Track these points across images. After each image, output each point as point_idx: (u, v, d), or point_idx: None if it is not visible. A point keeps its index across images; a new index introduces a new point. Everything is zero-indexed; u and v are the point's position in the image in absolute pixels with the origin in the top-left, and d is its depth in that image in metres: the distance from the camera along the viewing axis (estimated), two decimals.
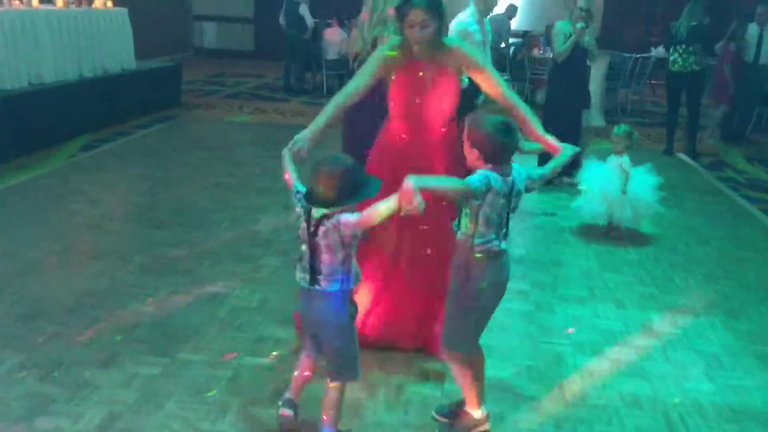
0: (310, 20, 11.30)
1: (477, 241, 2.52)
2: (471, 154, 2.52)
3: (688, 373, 3.38)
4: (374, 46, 3.74)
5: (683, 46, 7.84)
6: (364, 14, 3.90)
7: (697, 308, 4.12)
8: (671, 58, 8.03)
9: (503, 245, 2.57)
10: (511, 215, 2.57)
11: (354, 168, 2.44)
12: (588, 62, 6.66)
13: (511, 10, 12.23)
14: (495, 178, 2.46)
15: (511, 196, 2.52)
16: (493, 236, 2.53)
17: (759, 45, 8.83)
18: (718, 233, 5.50)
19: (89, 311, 3.67)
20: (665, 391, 3.21)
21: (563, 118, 6.21)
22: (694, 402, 3.13)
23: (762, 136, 9.52)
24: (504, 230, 2.55)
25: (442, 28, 3.05)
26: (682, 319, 3.94)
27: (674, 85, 8.20)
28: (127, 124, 8.26)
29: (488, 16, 6.15)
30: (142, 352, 3.30)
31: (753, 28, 8.87)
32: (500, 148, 2.47)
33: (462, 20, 6.43)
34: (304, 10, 11.30)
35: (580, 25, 6.23)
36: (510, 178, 2.51)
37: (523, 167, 2.61)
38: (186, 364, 3.22)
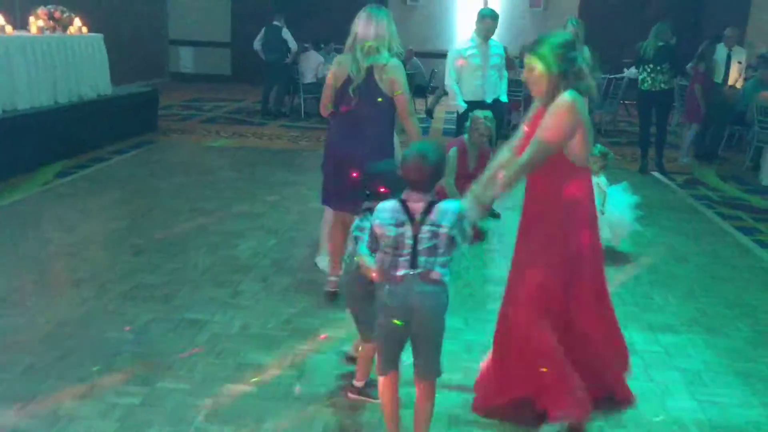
0: (293, 44, 11.36)
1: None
2: None
3: (670, 391, 3.39)
4: (369, 73, 3.76)
5: (651, 66, 8.05)
6: (362, 38, 3.80)
7: (678, 326, 4.15)
8: (640, 77, 8.24)
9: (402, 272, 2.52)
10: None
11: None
12: None
13: None
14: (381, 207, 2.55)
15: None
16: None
17: (727, 66, 9.05)
18: (695, 251, 5.56)
19: (66, 341, 3.60)
20: (648, 409, 3.22)
21: None
22: (677, 420, 3.14)
23: (733, 154, 9.69)
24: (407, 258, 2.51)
25: None
26: (663, 337, 3.97)
27: (645, 103, 8.38)
28: (103, 149, 8.19)
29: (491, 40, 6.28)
30: (121, 381, 3.24)
31: (721, 50, 9.08)
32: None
33: (457, 46, 6.61)
34: (286, 34, 11.35)
35: None
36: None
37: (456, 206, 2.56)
38: (166, 393, 3.16)
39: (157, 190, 6.69)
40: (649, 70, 8.09)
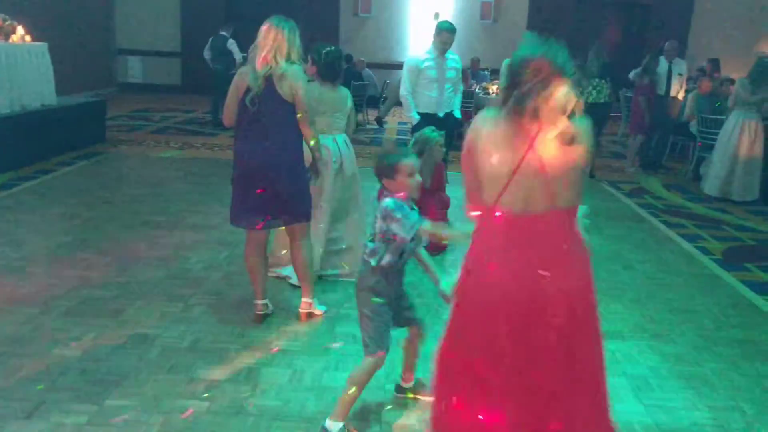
0: (238, 55, 11.28)
1: None
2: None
3: (618, 396, 3.46)
4: (267, 82, 3.73)
5: (597, 80, 8.77)
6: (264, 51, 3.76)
7: (625, 332, 4.25)
8: (585, 91, 8.89)
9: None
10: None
11: None
12: None
13: None
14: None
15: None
16: None
17: (669, 78, 9.37)
18: (641, 258, 5.71)
19: (10, 359, 3.49)
20: None
21: None
22: (626, 424, 3.21)
23: (677, 163, 9.99)
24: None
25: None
26: (610, 344, 4.04)
27: (589, 115, 8.70)
28: (48, 161, 7.99)
29: (447, 53, 6.19)
30: (67, 400, 3.16)
31: (662, 63, 9.40)
32: None
33: (414, 56, 6.44)
34: (231, 44, 11.29)
35: None
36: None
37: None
38: (115, 411, 3.09)
39: (106, 203, 6.55)
40: (594, 84, 8.76)
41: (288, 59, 3.76)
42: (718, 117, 8.63)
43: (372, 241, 2.93)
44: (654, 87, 9.32)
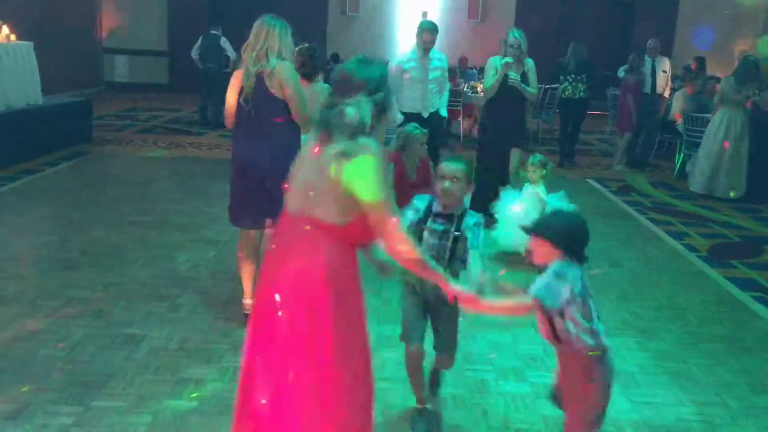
0: (232, 53, 11.24)
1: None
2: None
3: None
4: (258, 80, 3.75)
5: (573, 76, 9.20)
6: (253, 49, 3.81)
7: (612, 329, 4.24)
8: (561, 86, 9.40)
9: None
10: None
11: None
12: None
13: None
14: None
15: None
16: None
17: (653, 75, 9.45)
18: (629, 255, 5.74)
19: None
20: None
21: (489, 156, 6.12)
22: (614, 420, 3.22)
23: (663, 161, 10.05)
24: None
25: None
26: None
27: (565, 109, 9.62)
28: (33, 161, 7.93)
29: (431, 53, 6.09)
30: (52, 401, 3.13)
31: (646, 61, 9.47)
32: None
33: (399, 57, 6.34)
34: (225, 43, 11.25)
35: (506, 59, 5.98)
36: None
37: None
38: (101, 412, 3.07)
39: (92, 203, 6.50)
40: (570, 80, 9.23)
41: (279, 56, 3.77)
42: (704, 115, 8.68)
43: None
44: (640, 85, 9.38)
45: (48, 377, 3.34)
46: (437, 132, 6.27)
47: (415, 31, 6.23)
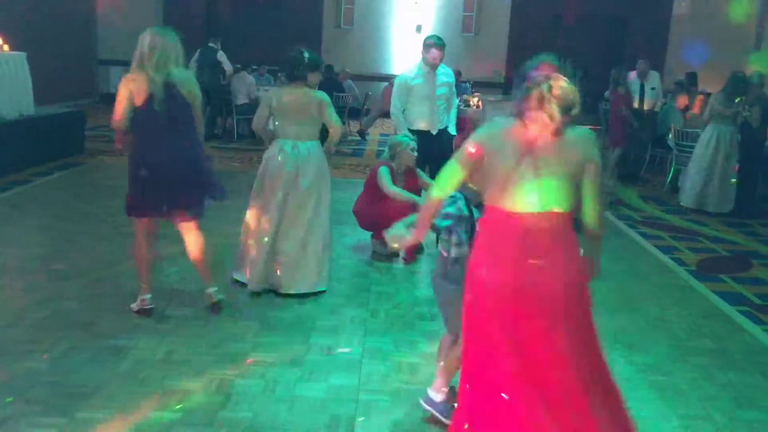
0: (228, 66, 11.29)
1: None
2: None
3: None
4: (167, 86, 3.98)
5: None
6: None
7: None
8: None
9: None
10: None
11: None
12: None
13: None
14: None
15: None
16: None
17: (642, 93, 9.53)
18: (618, 269, 5.75)
19: None
20: None
21: None
22: None
23: (654, 175, 10.10)
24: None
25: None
26: None
27: None
28: (25, 172, 7.91)
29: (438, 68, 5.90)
30: (36, 413, 3.12)
31: (635, 80, 9.56)
32: None
33: (404, 73, 6.15)
34: (222, 56, 11.28)
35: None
36: None
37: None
38: (85, 424, 3.06)
39: (82, 214, 6.49)
40: None
41: (176, 64, 4.09)
42: (694, 130, 8.74)
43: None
44: (630, 97, 9.45)
45: (32, 388, 3.32)
46: (446, 151, 5.75)
47: (420, 46, 6.00)
